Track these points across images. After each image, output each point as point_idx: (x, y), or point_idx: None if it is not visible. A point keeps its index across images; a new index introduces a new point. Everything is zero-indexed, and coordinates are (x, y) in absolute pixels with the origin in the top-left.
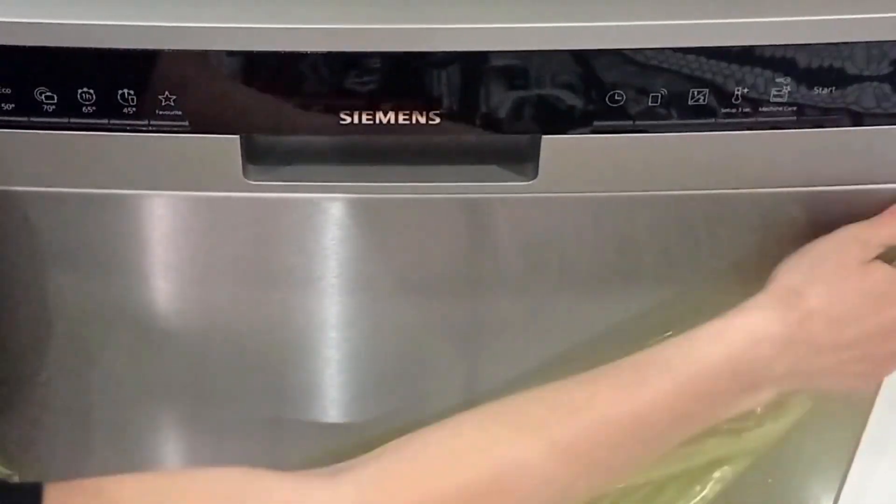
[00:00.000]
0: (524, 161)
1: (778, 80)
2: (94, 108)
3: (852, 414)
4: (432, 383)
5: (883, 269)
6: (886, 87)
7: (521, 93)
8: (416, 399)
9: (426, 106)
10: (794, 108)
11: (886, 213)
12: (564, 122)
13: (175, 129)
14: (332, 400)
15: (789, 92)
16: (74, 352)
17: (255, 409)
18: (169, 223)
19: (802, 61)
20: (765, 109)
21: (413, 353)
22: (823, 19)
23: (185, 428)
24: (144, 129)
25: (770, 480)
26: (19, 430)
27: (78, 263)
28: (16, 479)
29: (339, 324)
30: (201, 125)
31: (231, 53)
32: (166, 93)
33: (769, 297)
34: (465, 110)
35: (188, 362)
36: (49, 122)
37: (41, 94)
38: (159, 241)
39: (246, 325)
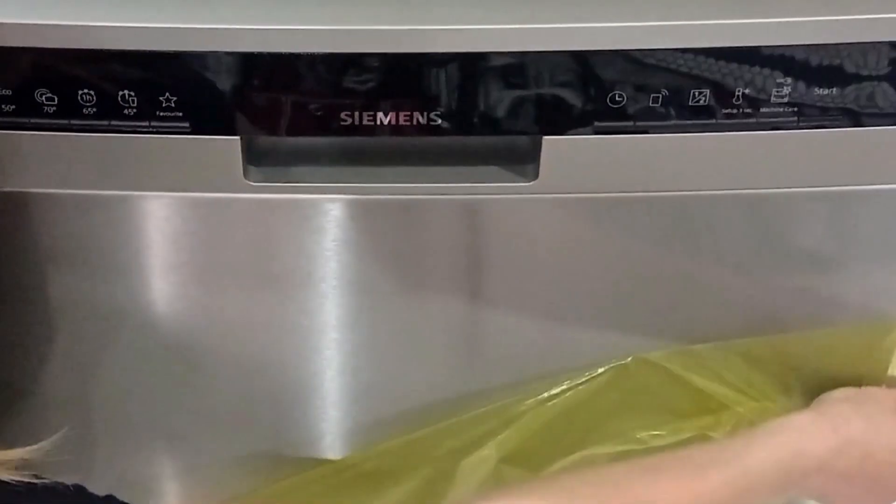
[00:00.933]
0: (525, 162)
1: (779, 80)
2: (94, 109)
3: None
4: (432, 384)
5: None
6: (887, 88)
7: (522, 94)
8: (416, 401)
9: (427, 107)
10: (795, 109)
11: None
12: (565, 122)
13: (176, 130)
14: (332, 402)
15: (790, 92)
16: (75, 353)
17: (254, 409)
18: (170, 224)
19: (803, 62)
20: (765, 110)
21: (414, 355)
22: (824, 20)
23: (186, 427)
24: (145, 130)
25: None
26: (20, 432)
27: (79, 264)
28: None
29: (339, 325)
30: (202, 127)
31: (232, 55)
32: (167, 94)
33: (818, 418)
34: (466, 111)
35: (189, 362)
36: (50, 124)
37: (41, 95)
38: (160, 242)
39: (246, 325)
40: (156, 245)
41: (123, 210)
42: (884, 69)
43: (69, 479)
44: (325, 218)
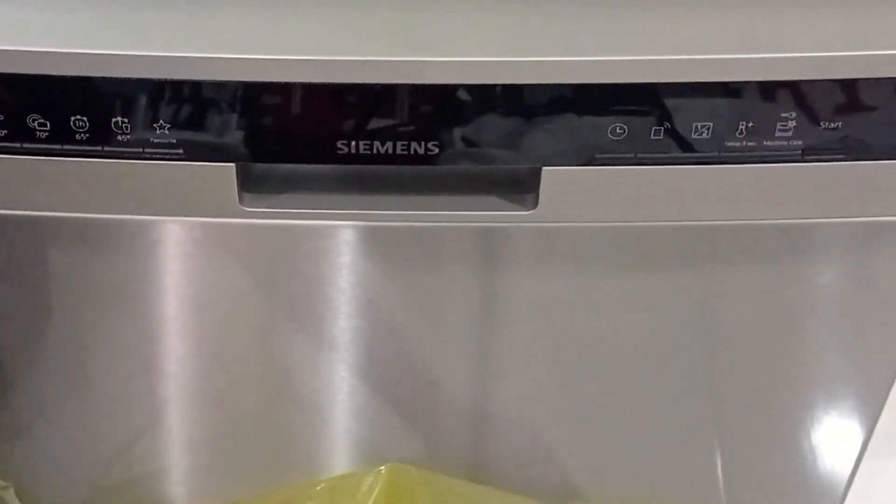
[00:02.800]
0: (524, 192)
1: (783, 114)
2: (87, 135)
3: (859, 416)
4: (438, 404)
5: None
6: (892, 122)
7: (521, 125)
8: (423, 418)
9: (424, 136)
10: (799, 143)
11: None
12: (565, 154)
13: (169, 156)
14: (339, 418)
15: (794, 126)
16: (69, 370)
17: (255, 425)
18: (164, 250)
19: (807, 96)
20: (769, 143)
21: (416, 377)
22: (828, 55)
23: (186, 440)
24: (138, 156)
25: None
26: (14, 441)
27: (72, 288)
28: (11, 491)
29: (338, 346)
30: (196, 153)
31: (225, 84)
32: (161, 121)
33: None
34: (465, 141)
35: (185, 381)
36: (42, 149)
37: (34, 121)
38: (155, 266)
39: (244, 349)
40: (151, 270)
41: (118, 234)
42: (889, 104)
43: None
44: (320, 244)
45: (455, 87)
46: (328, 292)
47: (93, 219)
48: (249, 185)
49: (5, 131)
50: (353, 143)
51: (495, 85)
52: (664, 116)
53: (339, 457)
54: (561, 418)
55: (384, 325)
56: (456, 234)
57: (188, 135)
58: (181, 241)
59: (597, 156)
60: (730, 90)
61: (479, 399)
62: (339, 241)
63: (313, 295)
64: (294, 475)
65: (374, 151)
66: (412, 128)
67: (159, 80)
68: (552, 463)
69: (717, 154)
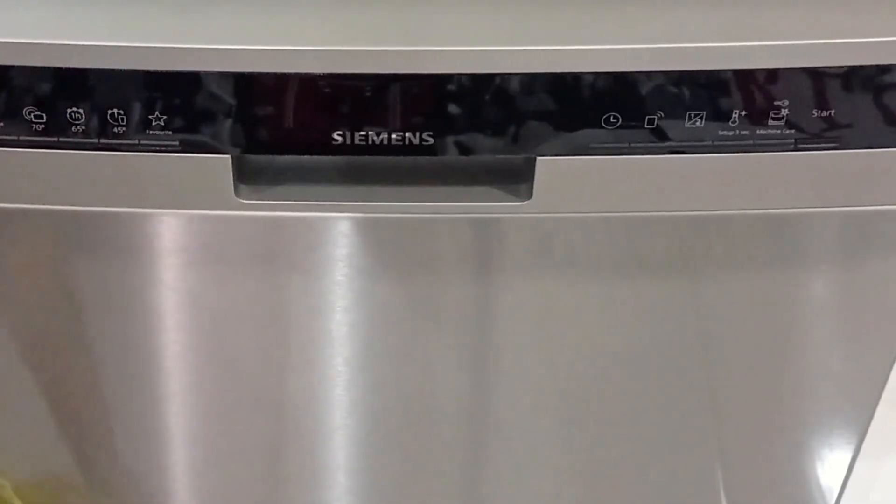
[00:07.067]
0: (519, 182)
1: (776, 102)
2: (83, 127)
3: (854, 416)
4: (429, 393)
5: None
6: (885, 110)
7: (516, 115)
8: (415, 406)
9: (419, 127)
10: (792, 131)
11: None
12: (559, 143)
13: (165, 148)
14: (336, 411)
15: (787, 114)
16: (64, 365)
17: (250, 419)
18: (160, 243)
19: (800, 84)
20: (762, 132)
21: (411, 367)
22: (821, 43)
23: (181, 435)
24: (134, 148)
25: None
26: (10, 438)
27: (67, 284)
28: (8, 488)
29: (333, 340)
30: (192, 145)
31: (221, 75)
32: (156, 113)
33: None
34: (459, 132)
35: (180, 376)
36: (38, 141)
37: (30, 113)
38: (150, 261)
39: (239, 343)
40: (147, 262)
41: (113, 226)
42: (882, 91)
43: None
44: (315, 235)
45: (450, 76)
46: (324, 285)
47: (88, 212)
48: (245, 176)
49: (1, 124)
50: (349, 134)
51: (490, 74)
52: (658, 105)
53: (336, 453)
54: (556, 415)
55: (380, 319)
56: (452, 227)
57: (184, 126)
58: (177, 235)
59: (591, 145)
60: (723, 79)
61: (476, 396)
62: (335, 234)
63: (309, 288)
64: (288, 471)
65: (370, 142)
66: (407, 118)
67: (155, 71)
68: (548, 462)
69: (710, 143)
